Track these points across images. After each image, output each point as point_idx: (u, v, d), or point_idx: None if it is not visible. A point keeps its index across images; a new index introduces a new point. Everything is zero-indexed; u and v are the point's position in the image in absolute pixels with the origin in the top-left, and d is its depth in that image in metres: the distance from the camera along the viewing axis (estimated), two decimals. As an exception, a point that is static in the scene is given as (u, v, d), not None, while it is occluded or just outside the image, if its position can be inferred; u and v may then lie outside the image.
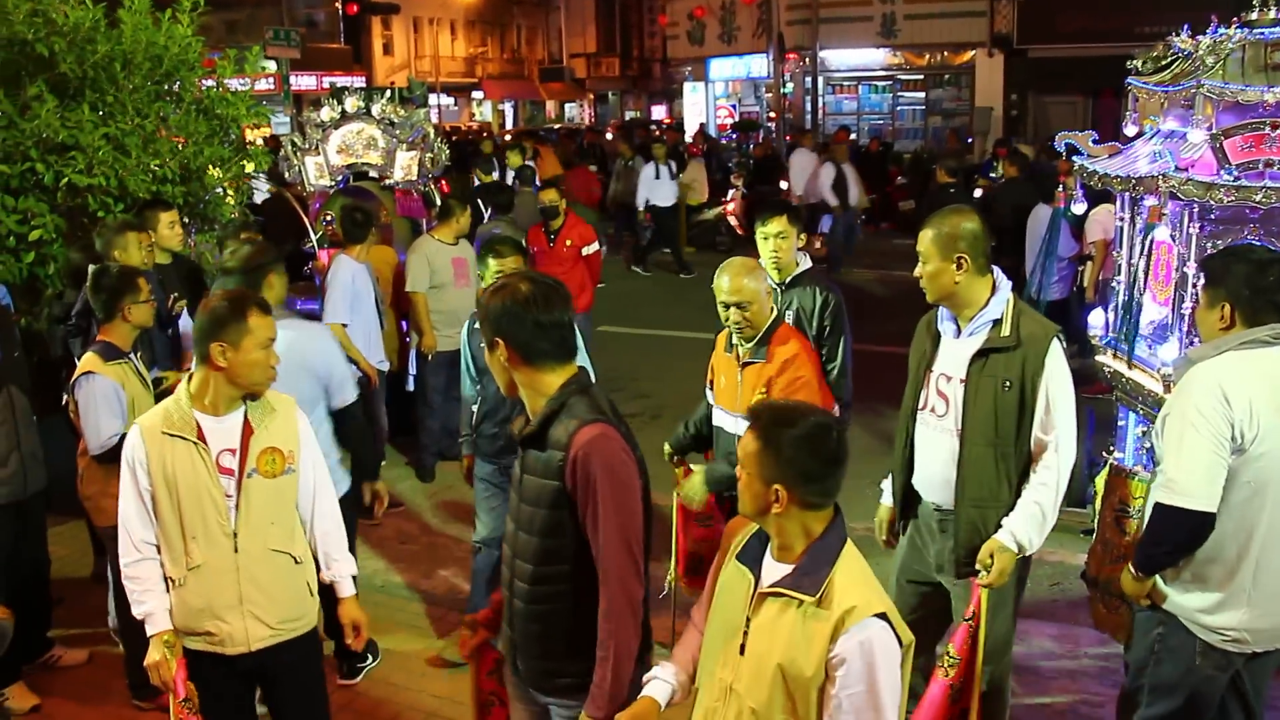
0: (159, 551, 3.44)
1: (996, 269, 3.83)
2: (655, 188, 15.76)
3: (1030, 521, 3.64)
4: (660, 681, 2.86)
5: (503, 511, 4.86)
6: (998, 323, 3.72)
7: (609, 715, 2.84)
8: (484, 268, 5.01)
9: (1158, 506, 3.33)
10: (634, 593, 2.85)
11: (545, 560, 2.90)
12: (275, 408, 3.52)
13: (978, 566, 3.68)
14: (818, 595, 2.46)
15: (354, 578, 3.76)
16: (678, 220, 16.30)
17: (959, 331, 3.83)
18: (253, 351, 3.37)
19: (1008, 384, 3.65)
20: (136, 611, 3.46)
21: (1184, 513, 3.25)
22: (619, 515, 2.81)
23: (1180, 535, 3.31)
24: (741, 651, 2.58)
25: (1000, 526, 3.69)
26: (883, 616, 2.44)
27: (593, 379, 3.06)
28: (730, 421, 4.46)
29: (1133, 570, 3.46)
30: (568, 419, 2.85)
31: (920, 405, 3.95)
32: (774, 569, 2.58)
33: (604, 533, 2.80)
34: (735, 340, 4.42)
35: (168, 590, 3.44)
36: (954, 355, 3.82)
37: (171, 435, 3.37)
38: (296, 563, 3.54)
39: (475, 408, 5.03)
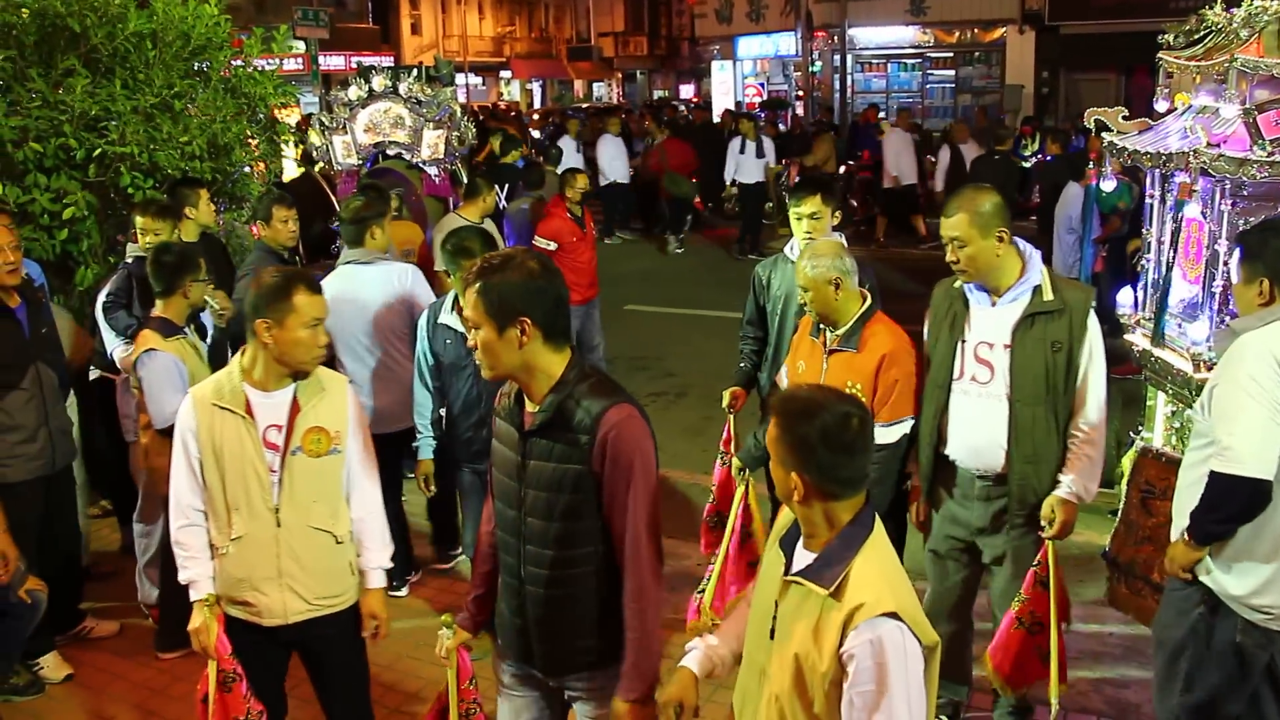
0: (206, 519, 3.49)
1: (1017, 238, 3.88)
2: (742, 164, 15.56)
3: (1086, 473, 3.82)
4: (700, 654, 2.86)
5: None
6: (1038, 288, 3.82)
7: (644, 695, 2.84)
8: (456, 268, 4.67)
9: (1213, 475, 3.26)
10: (659, 571, 2.86)
11: (568, 544, 2.85)
12: (326, 387, 3.52)
13: (1042, 522, 3.82)
14: (832, 587, 2.41)
15: (387, 570, 3.72)
16: (763, 199, 16.13)
17: (993, 300, 3.88)
18: (297, 330, 3.35)
19: (1057, 345, 3.78)
20: (181, 576, 3.52)
21: (1240, 480, 3.19)
22: (648, 496, 2.81)
23: (1237, 504, 3.25)
24: (771, 636, 2.57)
25: (1056, 480, 3.84)
26: (894, 616, 2.36)
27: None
28: None
29: (1187, 539, 3.40)
30: (585, 401, 2.79)
31: (956, 376, 3.96)
32: (802, 556, 2.56)
33: (634, 513, 2.79)
34: (823, 326, 4.28)
35: (212, 557, 3.50)
36: (994, 323, 3.87)
37: (221, 408, 3.41)
38: (338, 542, 3.55)
39: (443, 411, 4.87)
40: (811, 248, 4.30)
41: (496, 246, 4.89)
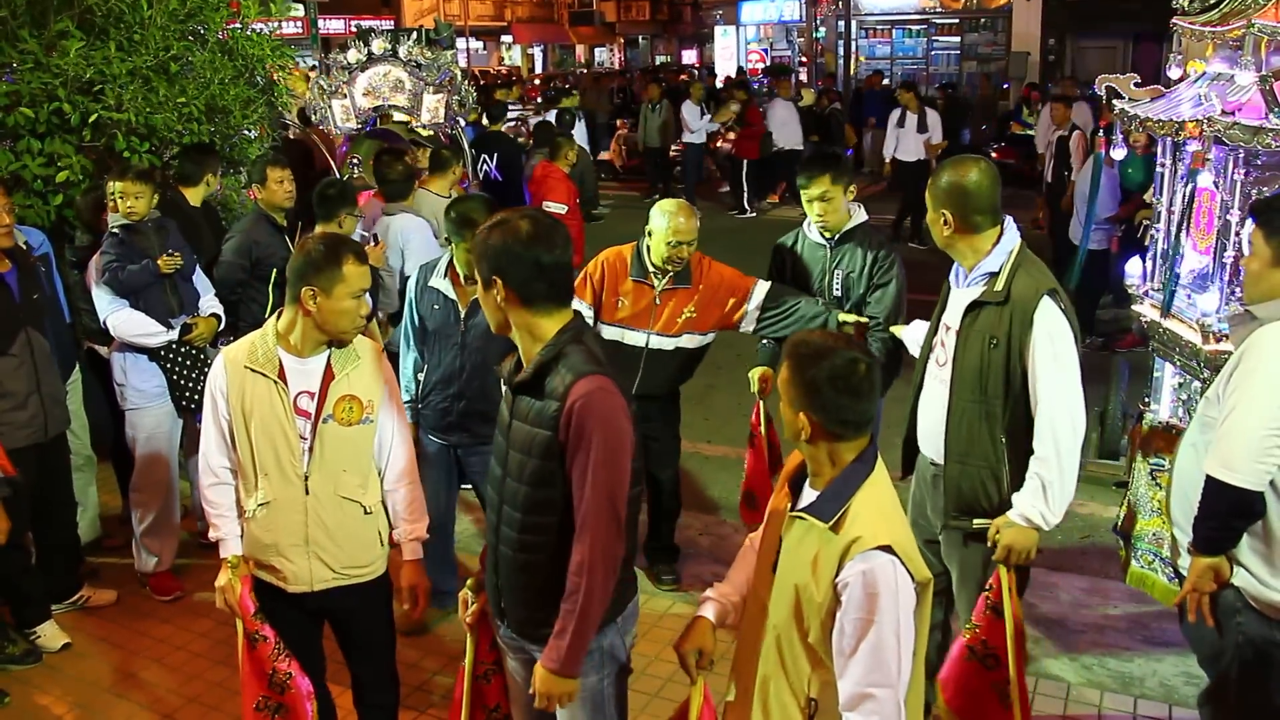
0: (235, 478, 3.49)
1: (1008, 219, 3.64)
2: (902, 139, 13.92)
3: (1033, 495, 3.46)
4: (713, 602, 2.92)
5: (446, 495, 4.91)
6: (994, 275, 3.56)
7: (566, 670, 2.81)
8: (460, 237, 4.52)
9: (1206, 478, 3.12)
10: (611, 550, 2.78)
11: (533, 510, 2.84)
12: (360, 355, 3.49)
13: (989, 543, 3.58)
14: (832, 521, 2.53)
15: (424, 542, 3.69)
16: (923, 177, 14.74)
17: (961, 281, 3.70)
18: (344, 300, 3.32)
19: (994, 340, 3.50)
20: (210, 535, 3.54)
21: (1227, 488, 3.05)
22: (607, 472, 2.74)
23: (1223, 509, 3.10)
24: (774, 570, 2.68)
25: (984, 485, 3.60)
26: (888, 549, 2.47)
27: (589, 323, 3.00)
28: (639, 337, 4.95)
29: (1190, 549, 3.24)
30: (564, 368, 2.77)
31: (930, 353, 3.86)
32: (807, 494, 2.68)
33: (590, 488, 2.73)
34: (652, 269, 4.86)
35: (240, 519, 3.50)
36: (955, 305, 3.70)
37: (254, 370, 3.37)
38: (367, 512, 3.52)
39: (421, 376, 4.81)
40: (681, 206, 4.85)
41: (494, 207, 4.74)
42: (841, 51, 26.09)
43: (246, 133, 7.28)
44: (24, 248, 4.95)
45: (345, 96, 8.55)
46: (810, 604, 2.55)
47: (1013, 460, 3.55)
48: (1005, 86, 22.66)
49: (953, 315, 3.69)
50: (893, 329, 4.58)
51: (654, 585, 5.25)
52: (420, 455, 4.91)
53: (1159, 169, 4.92)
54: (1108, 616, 4.99)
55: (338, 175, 8.38)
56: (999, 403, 3.54)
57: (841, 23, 26.20)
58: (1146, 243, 5.03)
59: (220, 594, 3.46)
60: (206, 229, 6.03)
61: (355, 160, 8.41)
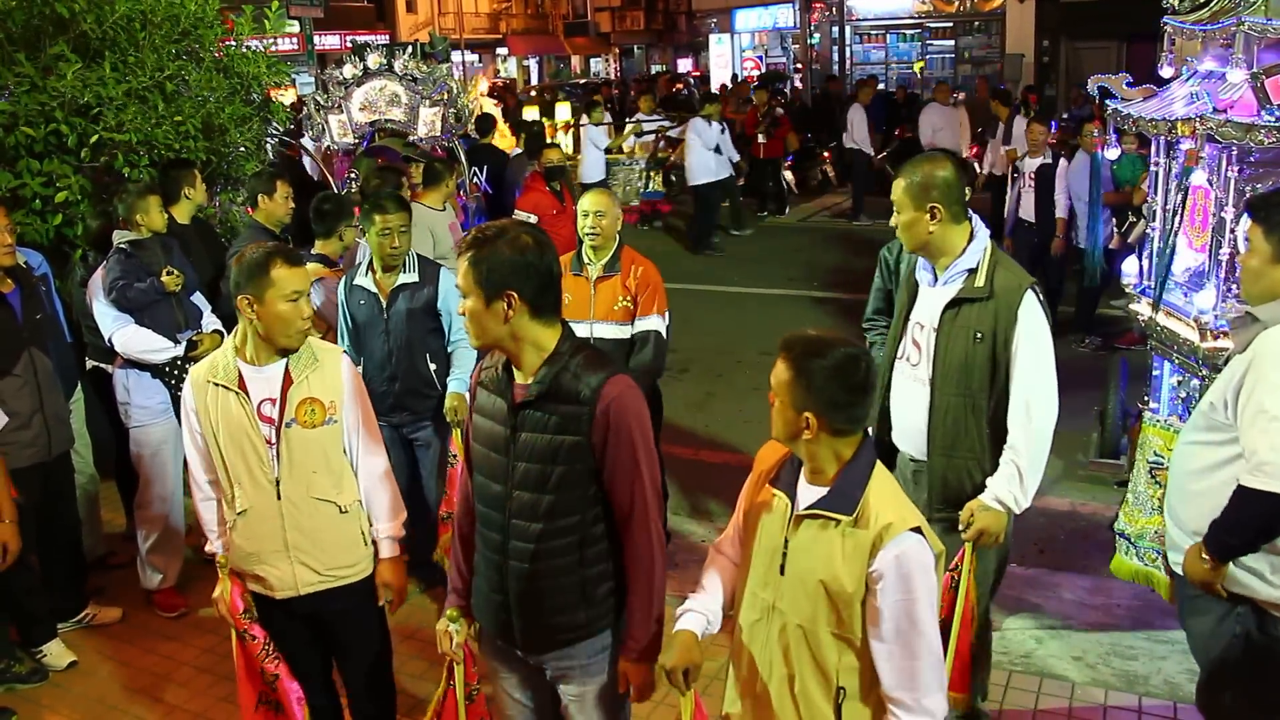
0: (217, 491, 3.59)
1: (975, 216, 3.71)
2: (994, 152, 12.70)
3: (1009, 481, 3.58)
4: (694, 614, 2.91)
5: (409, 469, 5.12)
6: (973, 272, 3.62)
7: (647, 654, 2.91)
8: (369, 224, 4.96)
9: (1241, 490, 3.03)
10: (661, 532, 2.94)
11: (558, 515, 2.87)
12: (319, 359, 3.54)
13: (960, 526, 3.65)
14: (854, 515, 2.58)
15: (402, 541, 3.73)
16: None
17: (935, 280, 3.74)
18: (277, 304, 3.36)
19: (979, 335, 3.59)
20: (206, 549, 3.68)
21: (1268, 496, 2.96)
22: (649, 464, 2.87)
23: (1256, 521, 3.04)
24: (781, 572, 2.69)
25: (970, 475, 3.68)
26: (917, 530, 2.55)
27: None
28: (583, 329, 5.06)
29: (1205, 555, 3.18)
30: (584, 374, 2.81)
31: (899, 354, 3.89)
32: (809, 492, 2.68)
33: (638, 481, 2.85)
34: (586, 260, 5.21)
35: (223, 533, 3.60)
36: (929, 304, 3.75)
37: (216, 384, 3.45)
38: (342, 512, 3.56)
39: (359, 369, 4.96)
40: (597, 189, 5.30)
41: (409, 208, 5.20)
42: (836, 57, 26.15)
43: (243, 149, 7.30)
44: (25, 267, 4.98)
45: (342, 112, 8.56)
46: (841, 595, 2.58)
47: (995, 449, 3.64)
48: (1002, 89, 22.65)
49: (926, 314, 3.74)
50: None
51: None
52: None
53: (1153, 167, 4.94)
54: (1111, 615, 4.99)
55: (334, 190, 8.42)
56: (984, 397, 3.63)
57: (835, 28, 26.27)
58: (1130, 240, 5.04)
59: (216, 605, 3.58)
60: (199, 245, 6.04)
61: (353, 175, 8.43)
